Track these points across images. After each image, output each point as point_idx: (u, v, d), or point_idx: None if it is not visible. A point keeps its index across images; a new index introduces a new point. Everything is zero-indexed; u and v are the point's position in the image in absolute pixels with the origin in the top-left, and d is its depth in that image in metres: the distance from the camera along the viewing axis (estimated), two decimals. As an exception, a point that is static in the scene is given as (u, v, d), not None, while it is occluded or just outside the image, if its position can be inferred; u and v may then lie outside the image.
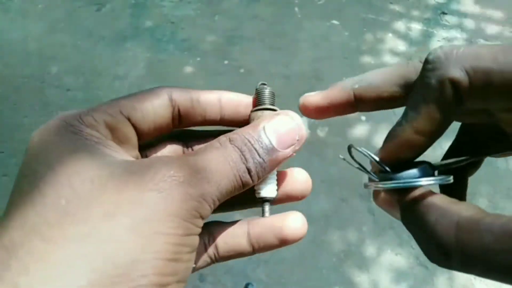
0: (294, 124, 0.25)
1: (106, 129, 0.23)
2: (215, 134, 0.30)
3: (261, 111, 0.27)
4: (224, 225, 0.28)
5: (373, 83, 0.26)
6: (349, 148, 0.27)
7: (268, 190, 0.27)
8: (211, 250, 0.27)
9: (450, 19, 2.02)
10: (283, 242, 0.27)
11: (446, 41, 1.91)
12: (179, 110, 0.27)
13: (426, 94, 0.22)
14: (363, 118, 1.64)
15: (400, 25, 1.99)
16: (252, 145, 0.23)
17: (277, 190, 0.28)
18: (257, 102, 0.28)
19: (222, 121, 0.28)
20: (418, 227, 0.21)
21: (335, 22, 2.01)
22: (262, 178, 0.25)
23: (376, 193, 0.26)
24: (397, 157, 0.24)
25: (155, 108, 0.25)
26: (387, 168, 0.24)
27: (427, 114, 0.22)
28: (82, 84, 1.86)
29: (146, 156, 0.28)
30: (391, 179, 0.23)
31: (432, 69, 0.21)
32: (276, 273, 1.32)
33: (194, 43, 1.96)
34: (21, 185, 0.20)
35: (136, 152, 0.26)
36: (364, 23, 1.99)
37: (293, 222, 0.27)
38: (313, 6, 2.09)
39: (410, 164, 0.24)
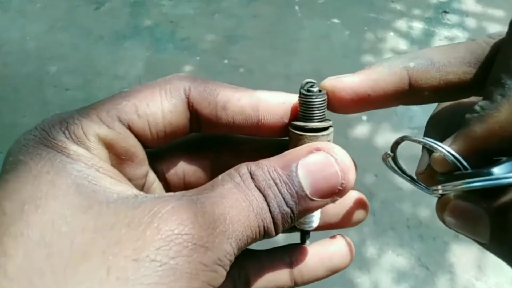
0: (338, 169, 0.18)
1: (100, 144, 0.18)
2: (256, 143, 0.24)
3: (302, 132, 0.20)
4: (259, 255, 0.22)
5: (436, 61, 0.19)
6: (397, 143, 0.20)
7: (312, 220, 0.22)
8: (240, 286, 0.21)
9: (451, 18, 2.01)
10: (333, 272, 0.23)
11: (448, 40, 1.90)
12: (197, 114, 0.20)
13: None
14: (364, 118, 1.63)
15: (401, 24, 1.97)
16: (278, 188, 0.18)
17: (321, 218, 0.23)
18: (300, 113, 0.21)
19: (257, 131, 0.22)
20: None
21: (336, 21, 2.00)
22: (287, 228, 0.19)
23: (443, 203, 0.19)
24: (484, 148, 0.17)
25: (166, 114, 0.19)
26: (467, 166, 0.17)
27: None
28: (81, 83, 1.85)
29: (162, 172, 0.22)
30: (472, 178, 0.17)
31: None
32: (276, 274, 1.31)
33: (193, 42, 1.95)
34: None
35: (144, 169, 0.21)
36: (365, 22, 1.98)
37: (341, 249, 0.23)
38: (313, 5, 2.07)
39: (491, 162, 0.17)
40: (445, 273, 1.29)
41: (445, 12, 2.03)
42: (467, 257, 1.30)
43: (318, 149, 0.19)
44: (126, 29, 2.04)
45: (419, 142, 0.19)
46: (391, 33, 1.94)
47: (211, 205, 0.16)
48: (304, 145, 0.20)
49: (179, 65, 1.87)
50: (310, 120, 0.21)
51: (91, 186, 0.16)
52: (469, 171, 0.17)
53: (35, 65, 1.92)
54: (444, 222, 0.19)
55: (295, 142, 0.21)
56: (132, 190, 0.18)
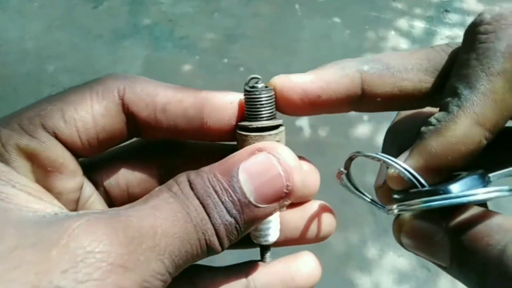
0: (281, 170, 0.17)
1: (20, 156, 0.16)
2: (210, 148, 0.21)
3: (246, 132, 0.19)
4: (214, 272, 0.20)
5: (392, 66, 0.18)
6: (350, 159, 0.19)
7: (268, 233, 0.20)
8: None
9: (453, 17, 1.99)
10: None
11: (449, 39, 1.89)
12: (134, 118, 0.18)
13: (490, 63, 0.14)
14: (365, 117, 1.62)
15: (402, 23, 1.96)
16: (219, 196, 0.16)
17: (280, 230, 0.21)
18: (246, 112, 0.19)
19: (204, 135, 0.20)
20: (492, 269, 0.13)
21: (336, 20, 1.99)
22: (235, 241, 0.17)
23: (399, 223, 0.18)
24: (440, 165, 0.16)
25: (97, 118, 0.18)
26: (424, 182, 0.16)
27: (495, 92, 0.14)
28: (80, 83, 1.84)
29: (102, 183, 0.20)
30: (429, 197, 0.15)
31: (493, 30, 0.15)
32: (276, 275, 1.30)
33: (193, 41, 1.94)
34: None
35: (77, 181, 0.18)
36: (366, 21, 1.97)
37: (306, 267, 0.21)
38: (314, 3, 2.07)
39: (450, 178, 0.16)
40: (446, 274, 1.28)
41: (447, 11, 2.02)
42: (469, 258, 1.30)
43: (260, 150, 0.17)
44: (125, 28, 2.03)
45: (372, 157, 0.18)
46: (392, 32, 1.93)
47: (139, 218, 0.14)
48: (246, 147, 0.18)
49: (178, 64, 1.86)
50: (255, 118, 0.19)
51: (4, 205, 0.14)
52: (426, 188, 0.16)
53: (33, 64, 1.92)
54: (401, 244, 0.18)
55: (241, 144, 0.19)
56: (53, 208, 0.16)
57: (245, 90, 0.19)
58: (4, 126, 0.17)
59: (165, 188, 0.16)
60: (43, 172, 0.17)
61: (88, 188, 0.20)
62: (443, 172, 0.16)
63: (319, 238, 0.22)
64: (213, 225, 0.16)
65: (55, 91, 1.82)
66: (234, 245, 0.19)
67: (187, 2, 2.13)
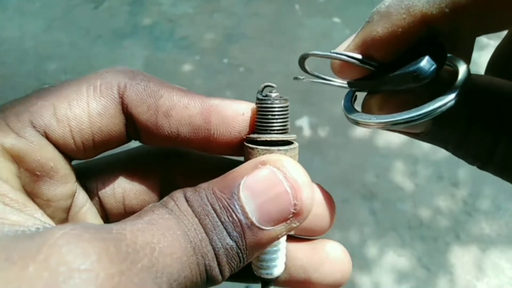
0: (287, 186, 0.15)
1: (5, 158, 0.14)
2: (220, 162, 0.19)
3: (253, 145, 0.17)
4: None
5: None
6: (303, 58, 0.17)
7: (272, 265, 0.18)
8: None
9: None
10: None
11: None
12: (134, 119, 0.16)
13: None
14: (365, 117, 1.63)
15: (402, 23, 1.97)
16: (218, 216, 0.14)
17: (285, 263, 0.18)
18: (256, 123, 0.18)
19: (209, 147, 0.18)
20: None
21: (336, 20, 1.99)
22: (237, 271, 0.15)
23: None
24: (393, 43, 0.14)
25: (93, 117, 0.16)
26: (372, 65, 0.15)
27: None
28: (80, 82, 1.85)
29: (96, 192, 0.18)
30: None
31: None
32: (276, 275, 1.30)
33: (193, 41, 1.94)
34: None
35: (69, 188, 0.16)
36: (366, 21, 1.98)
37: None
38: (314, 3, 2.07)
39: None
40: (446, 274, 1.28)
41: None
42: (468, 258, 1.30)
43: (263, 163, 0.15)
44: (125, 28, 2.03)
45: (322, 56, 0.17)
46: (392, 32, 1.93)
47: (133, 232, 0.12)
48: (249, 161, 0.16)
49: (178, 64, 1.86)
50: (265, 131, 0.17)
51: None
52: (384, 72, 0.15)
53: (33, 64, 1.92)
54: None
55: (247, 158, 0.17)
56: (34, 221, 0.13)
57: (257, 99, 0.18)
58: None
59: (159, 204, 0.14)
60: (30, 176, 0.15)
61: (81, 195, 0.18)
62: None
63: (327, 286, 0.19)
64: (213, 249, 0.14)
65: (55, 91, 1.82)
66: (231, 277, 0.16)
67: (187, 2, 2.13)
